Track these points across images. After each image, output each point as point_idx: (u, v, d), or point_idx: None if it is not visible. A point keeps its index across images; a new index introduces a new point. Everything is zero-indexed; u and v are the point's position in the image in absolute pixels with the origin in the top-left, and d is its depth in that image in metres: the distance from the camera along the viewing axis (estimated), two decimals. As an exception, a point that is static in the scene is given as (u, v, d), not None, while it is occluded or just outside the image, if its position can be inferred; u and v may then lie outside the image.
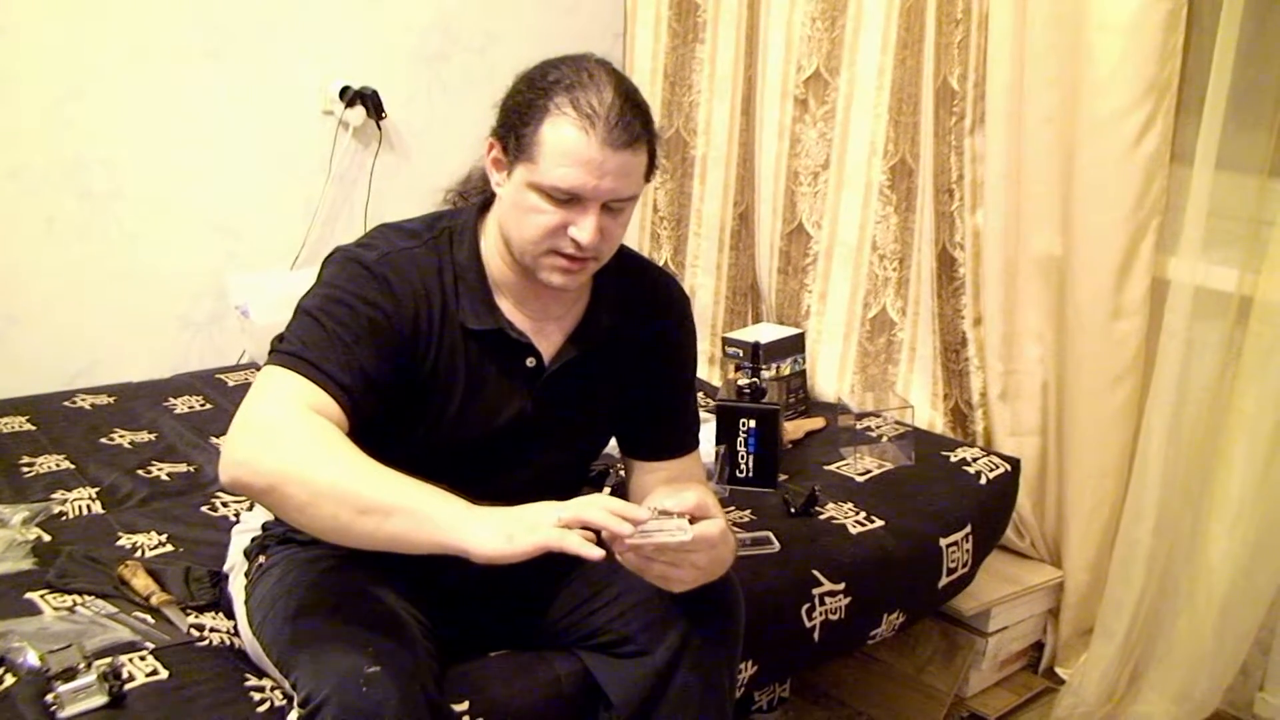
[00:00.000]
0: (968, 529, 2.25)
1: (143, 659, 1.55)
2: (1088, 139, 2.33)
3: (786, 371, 2.69)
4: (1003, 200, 2.51)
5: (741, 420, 2.25)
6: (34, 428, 2.38)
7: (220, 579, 1.77)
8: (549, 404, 1.59)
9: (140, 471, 2.22)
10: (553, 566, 1.39)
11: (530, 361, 1.57)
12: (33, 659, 1.50)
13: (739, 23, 2.99)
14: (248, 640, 1.58)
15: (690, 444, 1.74)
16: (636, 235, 3.28)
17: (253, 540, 1.67)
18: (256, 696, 1.51)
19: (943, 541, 2.20)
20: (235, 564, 1.70)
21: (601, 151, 1.41)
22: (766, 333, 2.72)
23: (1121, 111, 2.26)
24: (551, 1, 3.22)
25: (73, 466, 2.22)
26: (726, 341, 2.70)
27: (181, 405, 2.55)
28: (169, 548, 1.92)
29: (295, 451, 1.31)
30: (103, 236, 2.67)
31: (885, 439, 2.51)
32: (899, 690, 2.46)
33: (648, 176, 1.51)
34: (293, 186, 2.91)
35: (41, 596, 1.72)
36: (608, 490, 1.98)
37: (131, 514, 2.05)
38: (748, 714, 2.33)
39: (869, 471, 2.37)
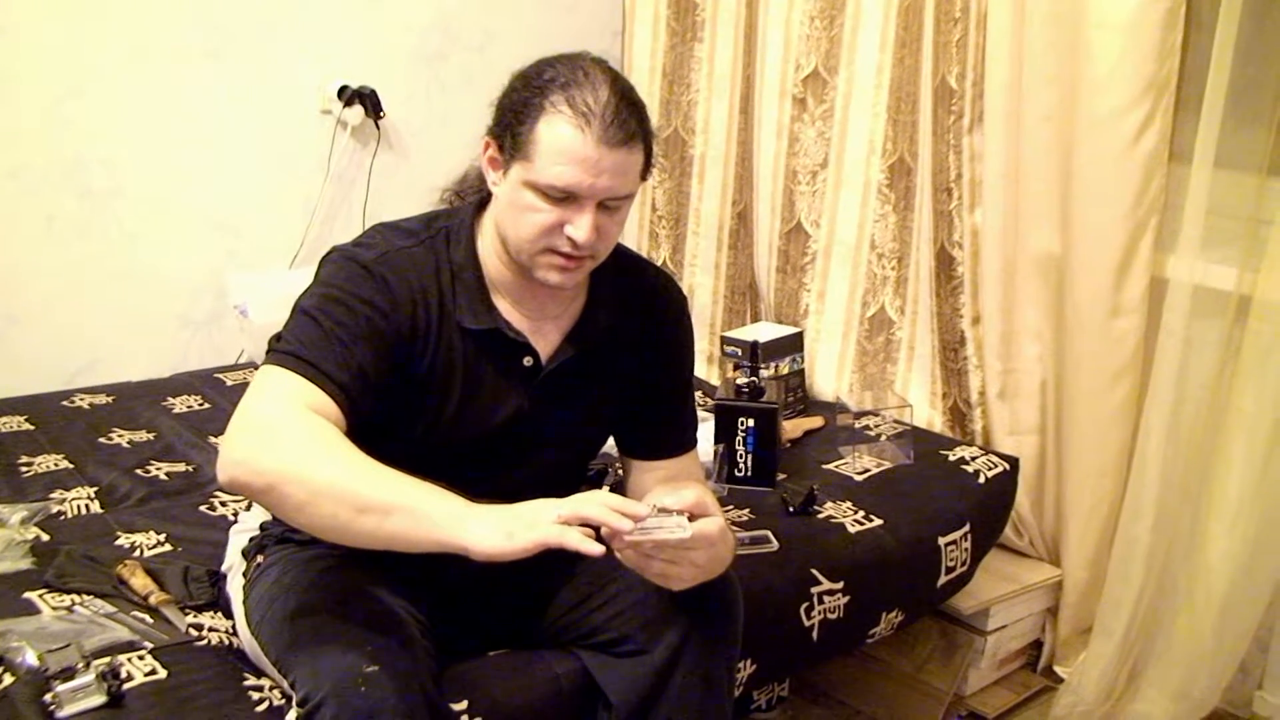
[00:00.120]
0: (966, 528, 2.25)
1: (141, 658, 1.55)
2: (1086, 137, 2.33)
3: (785, 370, 2.69)
4: (1001, 199, 2.51)
5: (740, 419, 2.25)
6: (33, 427, 2.38)
7: (218, 578, 1.77)
8: (546, 403, 1.59)
9: (139, 471, 2.22)
10: (552, 564, 1.39)
11: (527, 361, 1.57)
12: (31, 658, 1.50)
13: (737, 21, 2.99)
14: (246, 640, 1.58)
15: (689, 443, 1.74)
16: (635, 234, 3.28)
17: (251, 540, 1.67)
18: (255, 696, 1.51)
19: (941, 540, 2.20)
20: (233, 563, 1.70)
21: (597, 150, 1.41)
22: (765, 332, 2.72)
23: (1120, 110, 2.26)
24: (550, 0, 3.22)
25: (71, 466, 2.22)
26: (725, 340, 2.71)
27: (180, 405, 2.55)
28: (167, 547, 1.92)
29: (294, 450, 1.31)
30: (102, 236, 2.67)
31: (884, 438, 2.51)
32: (898, 689, 2.46)
33: (644, 175, 1.51)
34: (291, 186, 2.91)
35: (40, 596, 1.72)
36: (606, 489, 1.98)
37: (130, 513, 2.05)
38: (747, 713, 2.33)
39: (867, 470, 2.37)
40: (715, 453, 2.23)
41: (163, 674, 1.53)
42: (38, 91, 2.54)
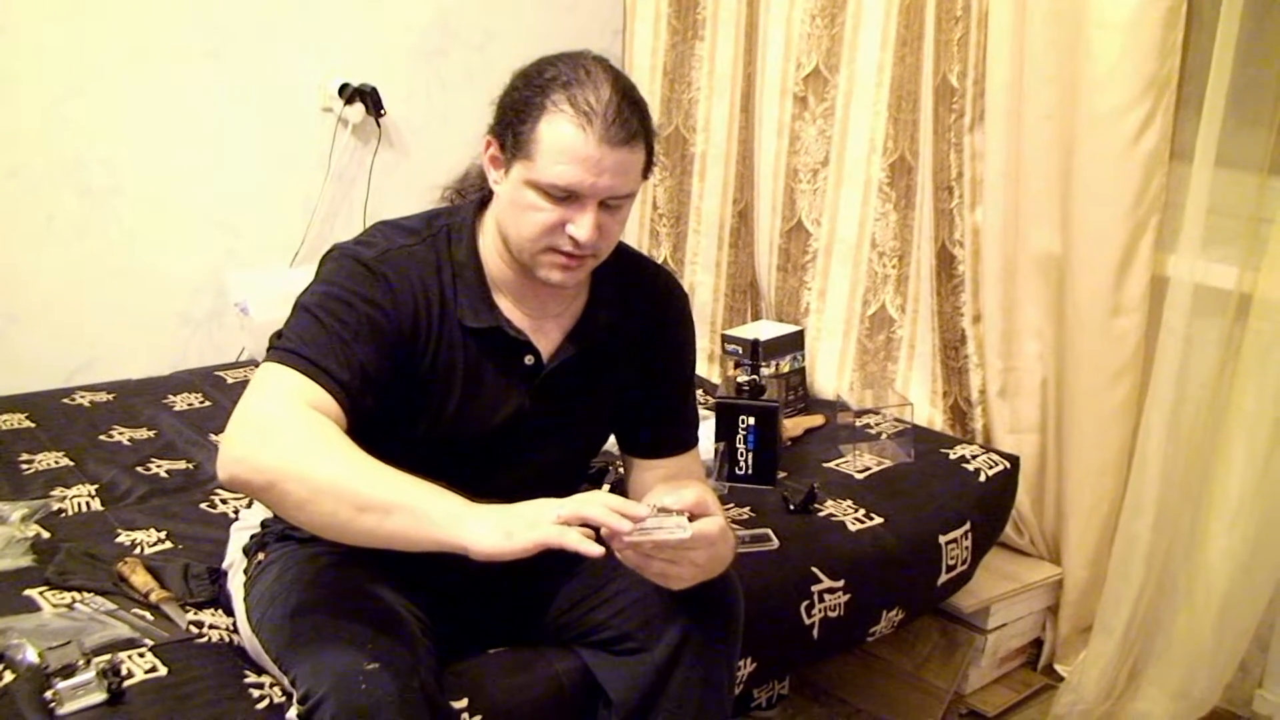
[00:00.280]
0: (967, 526, 2.25)
1: (142, 656, 1.55)
2: (1087, 136, 2.33)
3: (786, 369, 2.69)
4: (1002, 197, 2.51)
5: (741, 417, 2.25)
6: (33, 425, 2.38)
7: (219, 576, 1.77)
8: (547, 402, 1.59)
9: (139, 469, 2.22)
10: (552, 564, 1.39)
11: (528, 359, 1.57)
12: (32, 656, 1.50)
13: (738, 20, 2.99)
14: (247, 637, 1.58)
15: (689, 441, 1.74)
16: (636, 232, 3.28)
17: (252, 537, 1.67)
18: (255, 693, 1.51)
19: (942, 538, 2.20)
20: (234, 561, 1.70)
21: (599, 149, 1.41)
22: (766, 330, 2.72)
23: (1121, 108, 2.26)
24: (551, -2, 3.23)
25: (72, 463, 2.22)
26: (726, 339, 2.71)
27: (180, 402, 2.55)
28: (168, 545, 1.92)
29: (294, 448, 1.31)
30: (102, 234, 2.67)
31: (884, 436, 2.51)
32: (898, 687, 2.46)
33: (645, 174, 1.50)
34: (292, 184, 2.91)
35: (40, 593, 1.72)
36: (606, 487, 1.98)
37: (130, 511, 2.05)
38: (747, 711, 2.33)
39: (868, 469, 2.37)
40: (716, 451, 2.23)
41: (163, 671, 1.53)
42: (37, 90, 2.53)
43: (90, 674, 1.45)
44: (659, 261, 3.13)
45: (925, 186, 2.69)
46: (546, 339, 1.59)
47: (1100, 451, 2.46)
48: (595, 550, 1.25)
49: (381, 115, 2.94)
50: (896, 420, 2.56)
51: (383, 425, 1.46)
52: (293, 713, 1.36)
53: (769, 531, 2.04)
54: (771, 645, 1.93)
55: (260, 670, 1.56)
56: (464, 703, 1.53)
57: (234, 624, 1.66)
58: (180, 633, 1.64)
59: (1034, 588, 2.55)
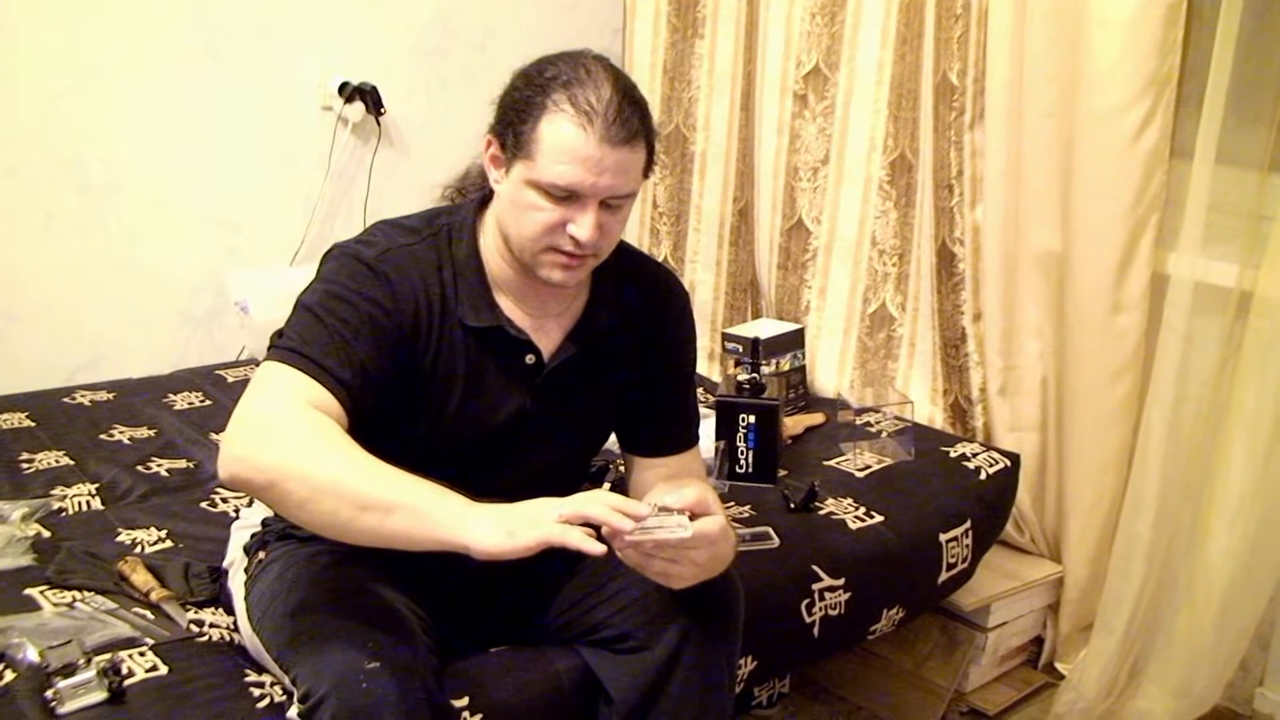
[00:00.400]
0: (967, 524, 2.25)
1: (142, 655, 1.56)
2: (1087, 134, 2.33)
3: (786, 367, 2.69)
4: (1002, 195, 2.51)
5: (741, 416, 2.25)
6: (33, 424, 2.37)
7: (220, 575, 1.77)
8: (548, 401, 1.59)
9: (140, 467, 2.22)
10: (553, 563, 1.39)
11: (529, 358, 1.57)
12: (32, 655, 1.50)
13: (738, 18, 2.98)
14: (247, 636, 1.58)
15: (690, 440, 1.74)
16: (636, 231, 3.28)
17: (252, 536, 1.67)
18: (256, 692, 1.51)
19: (942, 537, 2.20)
20: (235, 560, 1.70)
21: (600, 148, 1.41)
22: (766, 328, 2.72)
23: (1121, 106, 2.26)
24: (551, -3, 3.22)
25: (72, 462, 2.21)
26: (726, 337, 2.70)
27: (181, 401, 2.55)
28: (168, 544, 1.92)
29: (295, 447, 1.31)
30: (102, 233, 2.67)
31: (885, 434, 2.51)
32: (899, 685, 2.46)
33: (646, 173, 1.50)
34: (292, 182, 2.91)
35: (41, 592, 1.72)
36: (607, 486, 1.97)
37: (131, 510, 2.05)
38: (748, 709, 2.33)
39: (869, 467, 2.37)
40: (716, 449, 2.23)
41: (164, 670, 1.53)
42: (37, 89, 2.53)
43: (91, 673, 1.45)
44: (659, 260, 3.13)
45: (925, 184, 2.69)
46: (547, 338, 1.59)
47: (1101, 449, 2.46)
48: (597, 549, 1.25)
49: (381, 114, 2.94)
50: (897, 418, 2.56)
51: (384, 425, 1.46)
52: (293, 712, 1.36)
53: (769, 530, 2.04)
54: (772, 643, 1.93)
55: (261, 669, 1.56)
56: (465, 701, 1.53)
57: (234, 623, 1.66)
58: (181, 632, 1.64)
59: (1034, 586, 2.55)
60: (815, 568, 1.99)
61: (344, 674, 1.32)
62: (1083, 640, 2.55)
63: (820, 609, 1.98)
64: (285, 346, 1.41)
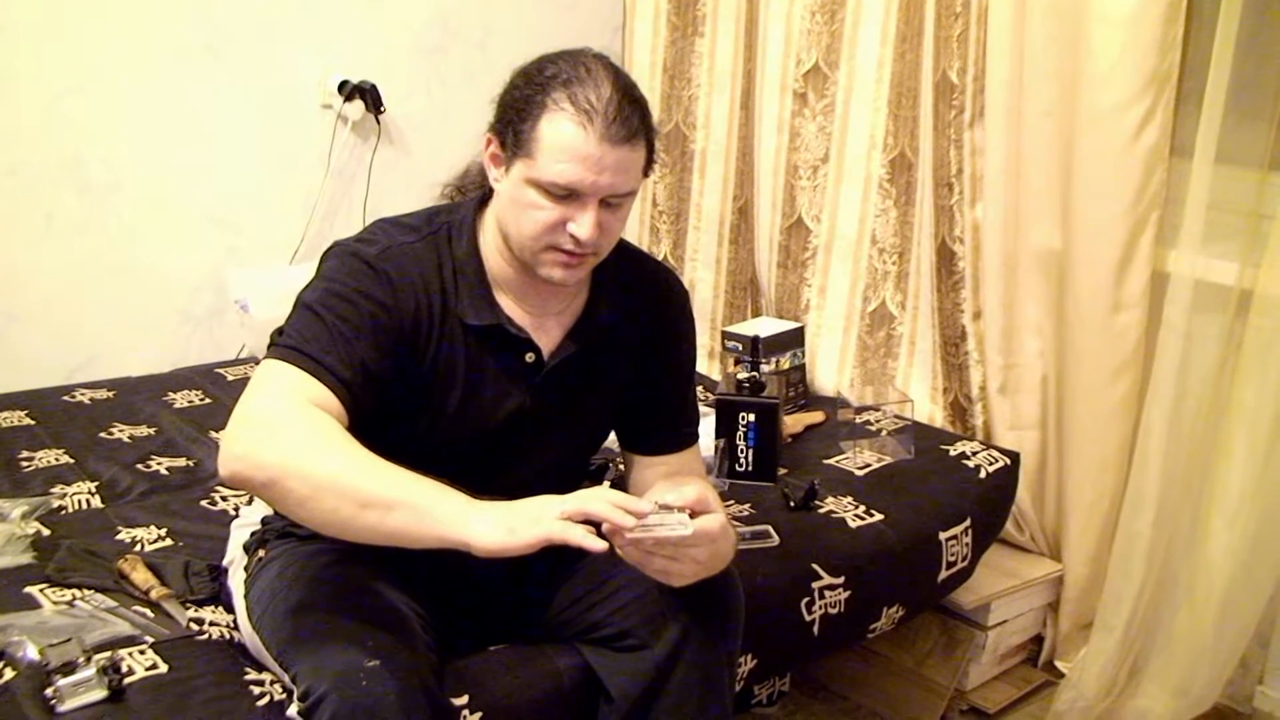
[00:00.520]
0: (967, 523, 2.25)
1: (142, 653, 1.56)
2: (1087, 132, 2.33)
3: (786, 365, 2.69)
4: (1002, 194, 2.51)
5: (741, 414, 2.25)
6: (33, 422, 2.37)
7: (220, 573, 1.77)
8: (548, 399, 1.59)
9: (139, 466, 2.22)
10: (553, 560, 1.39)
11: (529, 357, 1.57)
12: (32, 653, 1.50)
13: (738, 16, 2.98)
14: (247, 634, 1.58)
15: (690, 438, 1.74)
16: (636, 229, 3.28)
17: (252, 534, 1.67)
18: (256, 690, 1.51)
19: (942, 535, 2.20)
20: (235, 558, 1.70)
21: (600, 147, 1.41)
22: (766, 327, 2.72)
23: (1121, 105, 2.26)
24: (551, -5, 3.22)
25: (72, 461, 2.21)
26: (726, 335, 2.70)
27: (181, 400, 2.55)
28: (168, 542, 1.92)
29: (295, 445, 1.31)
30: (102, 232, 2.67)
31: (885, 433, 2.51)
32: (899, 684, 2.46)
33: (646, 172, 1.50)
34: (292, 181, 2.91)
35: (41, 591, 1.72)
36: (607, 484, 1.97)
37: (131, 508, 2.05)
38: (747, 708, 2.33)
39: (868, 465, 2.37)
40: (716, 448, 2.23)
41: (164, 668, 1.53)
42: (37, 87, 2.53)
43: (91, 671, 1.45)
44: (659, 258, 3.13)
45: (925, 183, 2.69)
46: (547, 336, 1.59)
47: (1101, 448, 2.46)
48: (599, 546, 1.25)
49: (381, 112, 2.94)
50: (897, 417, 2.55)
51: (384, 423, 1.46)
52: (293, 710, 1.36)
53: (769, 528, 2.04)
54: (772, 642, 1.93)
55: (261, 667, 1.56)
56: (465, 700, 1.53)
57: (234, 621, 1.66)
58: (181, 630, 1.64)
59: (1034, 584, 2.55)
60: (815, 566, 1.99)
61: (344, 672, 1.32)
62: (1083, 638, 2.55)
63: (820, 607, 1.98)
64: (285, 345, 1.41)
